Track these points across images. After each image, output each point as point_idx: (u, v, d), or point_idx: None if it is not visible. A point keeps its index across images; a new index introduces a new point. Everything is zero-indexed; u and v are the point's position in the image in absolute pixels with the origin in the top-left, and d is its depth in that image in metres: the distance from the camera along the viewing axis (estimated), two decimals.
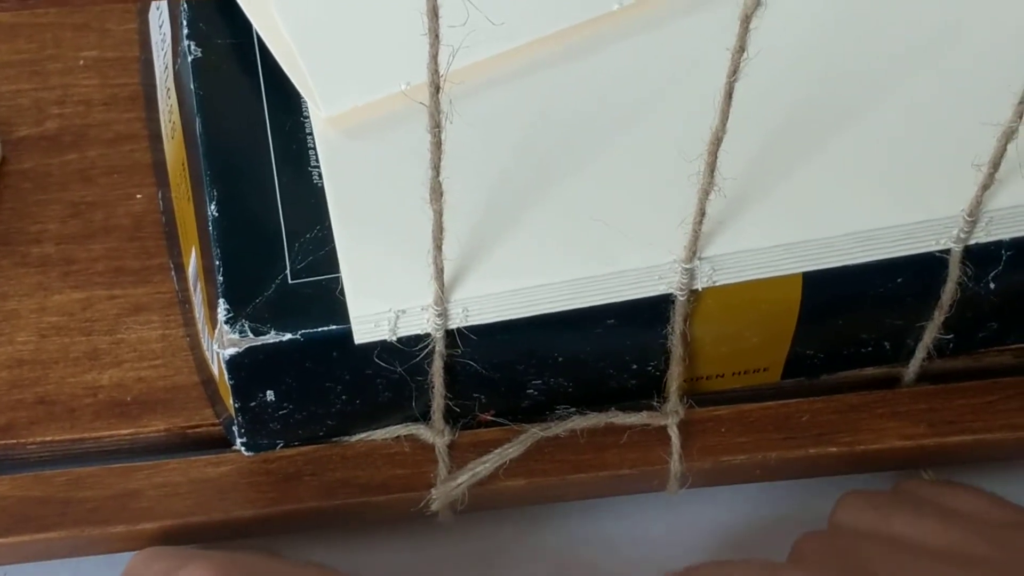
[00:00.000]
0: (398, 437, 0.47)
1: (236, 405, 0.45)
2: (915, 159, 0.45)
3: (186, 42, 0.48)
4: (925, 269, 0.45)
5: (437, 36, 0.33)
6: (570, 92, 0.46)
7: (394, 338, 0.43)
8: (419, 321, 0.43)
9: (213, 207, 0.45)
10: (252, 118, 0.46)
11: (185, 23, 0.48)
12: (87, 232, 0.52)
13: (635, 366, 0.46)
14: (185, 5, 0.48)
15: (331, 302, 0.43)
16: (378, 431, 0.47)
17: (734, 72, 0.36)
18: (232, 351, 0.42)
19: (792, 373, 0.49)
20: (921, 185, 0.44)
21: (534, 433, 0.46)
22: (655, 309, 0.44)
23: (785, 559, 0.45)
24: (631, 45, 0.47)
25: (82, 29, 0.56)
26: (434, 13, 0.32)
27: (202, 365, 0.49)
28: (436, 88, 0.35)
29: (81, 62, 0.56)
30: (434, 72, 0.34)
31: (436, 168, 0.37)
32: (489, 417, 0.47)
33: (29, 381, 0.49)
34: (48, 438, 0.48)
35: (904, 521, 0.44)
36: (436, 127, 0.36)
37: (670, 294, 0.44)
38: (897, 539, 0.43)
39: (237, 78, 0.47)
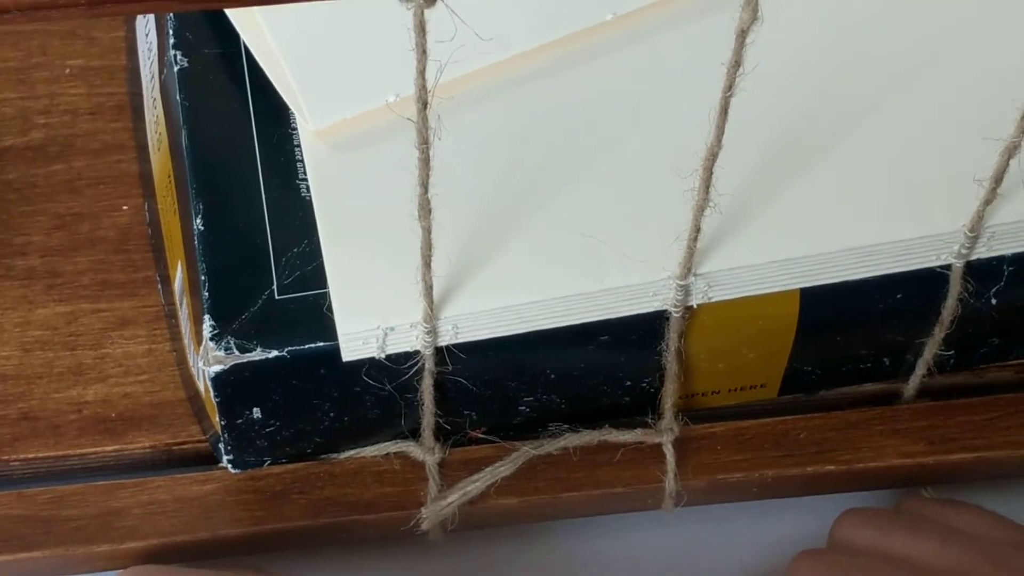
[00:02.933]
0: (388, 454, 0.46)
1: (222, 422, 0.44)
2: (915, 174, 0.44)
3: (172, 52, 0.47)
4: (925, 285, 0.44)
5: (424, 51, 0.32)
6: (562, 105, 0.45)
7: (383, 355, 0.42)
8: (408, 338, 0.42)
9: (199, 220, 0.44)
10: (239, 130, 0.45)
11: (171, 32, 0.47)
12: (72, 244, 0.51)
13: (629, 383, 0.45)
14: (171, 14, 0.47)
15: (318, 318, 0.42)
16: (367, 448, 0.46)
17: (730, 87, 0.35)
18: (217, 368, 0.42)
19: (789, 389, 0.48)
20: (921, 200, 0.44)
21: (526, 451, 0.46)
22: (649, 326, 0.43)
23: None
24: (625, 57, 0.46)
25: (68, 37, 0.55)
26: (421, 28, 0.32)
27: (188, 380, 0.48)
28: (424, 104, 0.34)
29: (67, 71, 0.55)
30: (421, 88, 0.33)
31: (424, 185, 0.36)
32: (480, 434, 0.46)
33: (12, 397, 0.48)
34: (31, 455, 0.47)
35: (903, 540, 0.43)
36: (424, 143, 0.35)
37: (665, 311, 0.43)
38: (896, 558, 0.43)
39: (224, 89, 0.46)
